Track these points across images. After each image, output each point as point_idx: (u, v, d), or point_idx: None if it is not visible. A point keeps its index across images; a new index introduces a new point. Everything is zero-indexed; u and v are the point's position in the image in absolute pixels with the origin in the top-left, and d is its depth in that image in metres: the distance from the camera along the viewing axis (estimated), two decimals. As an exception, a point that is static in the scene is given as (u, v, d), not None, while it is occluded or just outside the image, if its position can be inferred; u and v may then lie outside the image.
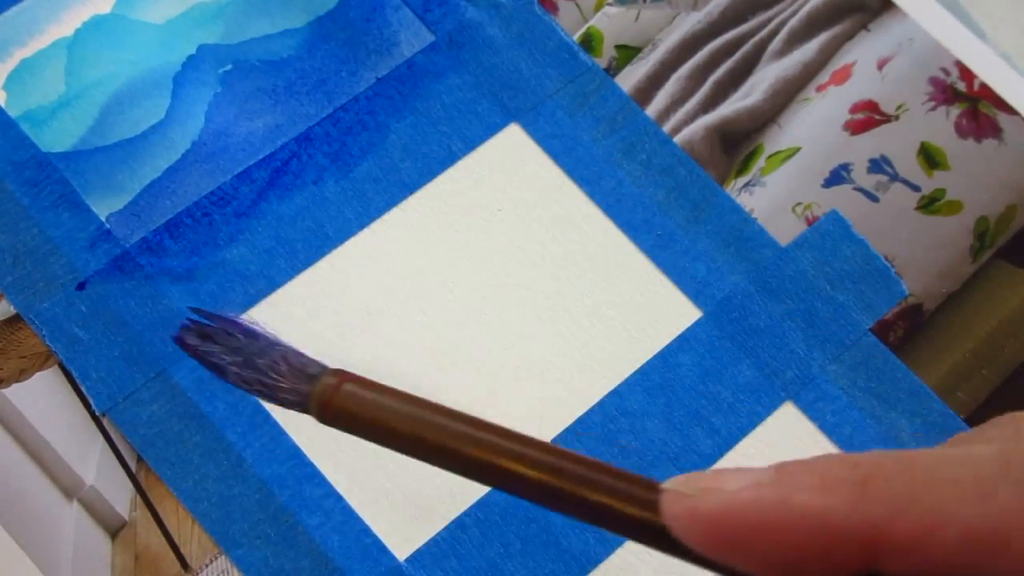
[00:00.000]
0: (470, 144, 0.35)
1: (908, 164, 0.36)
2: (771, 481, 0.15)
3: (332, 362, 0.33)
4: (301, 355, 0.25)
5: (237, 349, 0.26)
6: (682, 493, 0.16)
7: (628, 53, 0.37)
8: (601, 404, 0.32)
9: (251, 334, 0.26)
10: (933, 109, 0.37)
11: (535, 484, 0.20)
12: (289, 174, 0.34)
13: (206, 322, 0.27)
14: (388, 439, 0.22)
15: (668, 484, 0.16)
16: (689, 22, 0.38)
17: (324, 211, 0.34)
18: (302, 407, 0.23)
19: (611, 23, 0.38)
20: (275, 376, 0.25)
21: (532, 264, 0.34)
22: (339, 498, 0.31)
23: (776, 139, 0.36)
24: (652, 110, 0.36)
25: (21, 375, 0.99)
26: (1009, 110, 0.37)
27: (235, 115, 0.35)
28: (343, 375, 0.23)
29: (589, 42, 0.37)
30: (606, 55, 0.37)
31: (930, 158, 0.36)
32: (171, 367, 0.32)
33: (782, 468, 0.15)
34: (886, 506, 0.14)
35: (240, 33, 0.36)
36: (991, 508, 0.13)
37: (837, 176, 0.36)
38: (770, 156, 0.36)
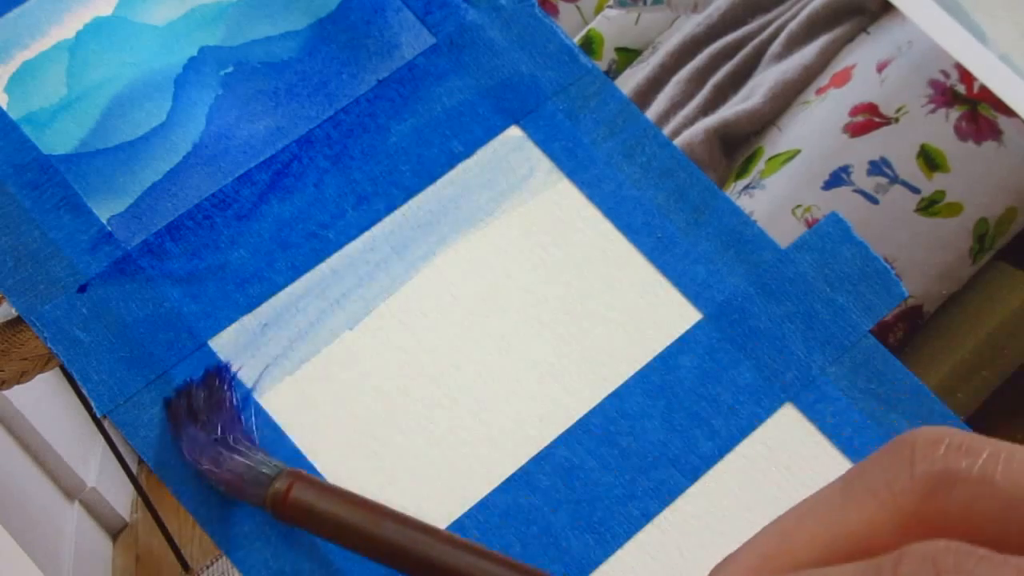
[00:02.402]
0: (470, 146, 0.35)
1: (908, 166, 0.36)
2: None
3: (335, 361, 0.33)
4: (260, 461, 0.28)
5: (207, 446, 0.29)
6: None
7: (628, 56, 0.37)
8: (601, 406, 0.32)
9: (222, 440, 0.29)
10: (933, 111, 0.37)
11: None
12: (290, 176, 0.34)
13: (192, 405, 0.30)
14: (330, 536, 0.25)
15: None
16: (689, 25, 0.38)
17: (325, 213, 0.34)
18: (261, 506, 0.27)
19: (611, 26, 0.38)
20: (236, 480, 0.28)
21: (532, 266, 0.34)
22: (340, 500, 0.31)
23: (776, 142, 0.36)
24: (652, 113, 0.36)
25: (22, 377, 0.99)
26: (1009, 112, 0.37)
27: (236, 117, 0.35)
28: (293, 478, 0.26)
29: (589, 45, 0.37)
30: (606, 58, 0.37)
31: (930, 160, 0.36)
32: (172, 369, 0.32)
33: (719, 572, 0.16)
34: None
35: (241, 35, 0.36)
36: None
37: (837, 178, 0.36)
38: (770, 159, 0.36)
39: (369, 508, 0.25)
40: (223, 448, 0.29)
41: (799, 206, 0.35)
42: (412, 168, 0.34)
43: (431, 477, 0.31)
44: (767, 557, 0.15)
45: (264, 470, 0.28)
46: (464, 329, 0.33)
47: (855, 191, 0.35)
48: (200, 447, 0.29)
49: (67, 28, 0.35)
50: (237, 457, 0.29)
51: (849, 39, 0.38)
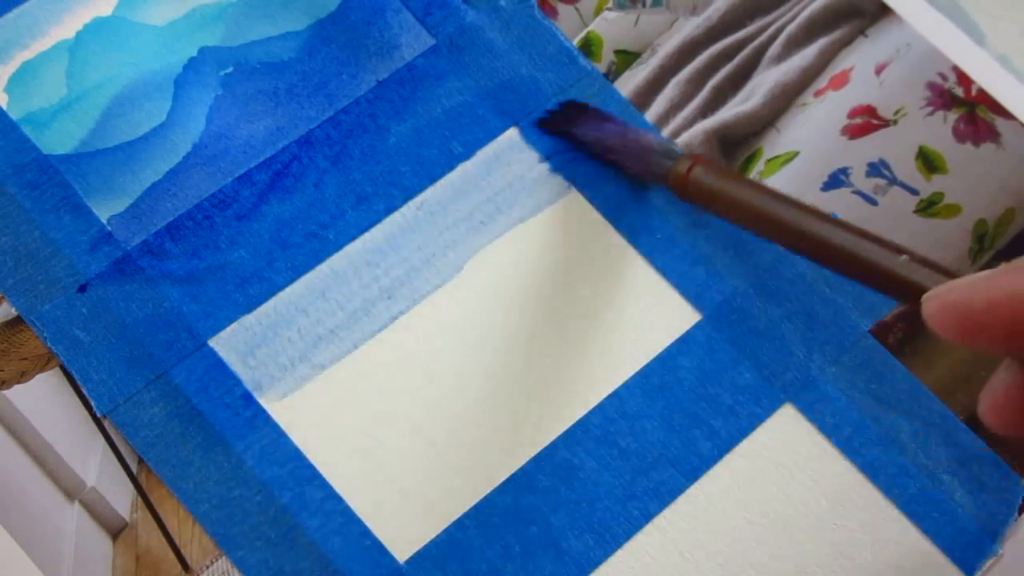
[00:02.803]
0: (470, 148, 0.35)
1: (906, 168, 0.36)
2: (1002, 270, 0.18)
3: (335, 361, 0.33)
4: (664, 141, 0.32)
5: (610, 129, 0.33)
6: (933, 295, 0.19)
7: (627, 58, 0.37)
8: (600, 406, 0.32)
9: (618, 122, 0.34)
10: (931, 114, 0.37)
11: (839, 259, 0.25)
12: (290, 177, 0.34)
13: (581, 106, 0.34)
14: (728, 213, 0.28)
15: (929, 293, 0.19)
16: (688, 27, 0.38)
17: (325, 214, 0.34)
18: (664, 180, 0.30)
19: (610, 28, 0.38)
20: (645, 153, 0.32)
21: (532, 267, 0.34)
22: (339, 500, 0.31)
23: (775, 143, 0.36)
24: (651, 114, 0.36)
25: (22, 377, 1.00)
26: (1007, 115, 0.37)
27: (236, 117, 0.35)
28: (695, 159, 0.29)
29: (588, 47, 0.37)
30: (605, 60, 0.37)
31: (928, 162, 0.36)
32: (172, 369, 0.32)
33: (1012, 262, 0.18)
34: None
35: (241, 35, 0.36)
36: None
37: (836, 180, 0.36)
38: (769, 160, 0.36)
39: (766, 192, 0.27)
40: (628, 130, 0.33)
41: (798, 207, 0.35)
42: (412, 169, 0.34)
43: (430, 477, 0.31)
44: None
45: (671, 146, 0.31)
46: (463, 329, 0.33)
47: (854, 192, 0.36)
48: (604, 129, 0.33)
49: (67, 28, 0.35)
50: (645, 134, 0.32)
51: (847, 42, 0.38)
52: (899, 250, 0.23)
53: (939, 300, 0.19)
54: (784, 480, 0.32)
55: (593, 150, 0.34)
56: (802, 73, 0.37)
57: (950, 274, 0.22)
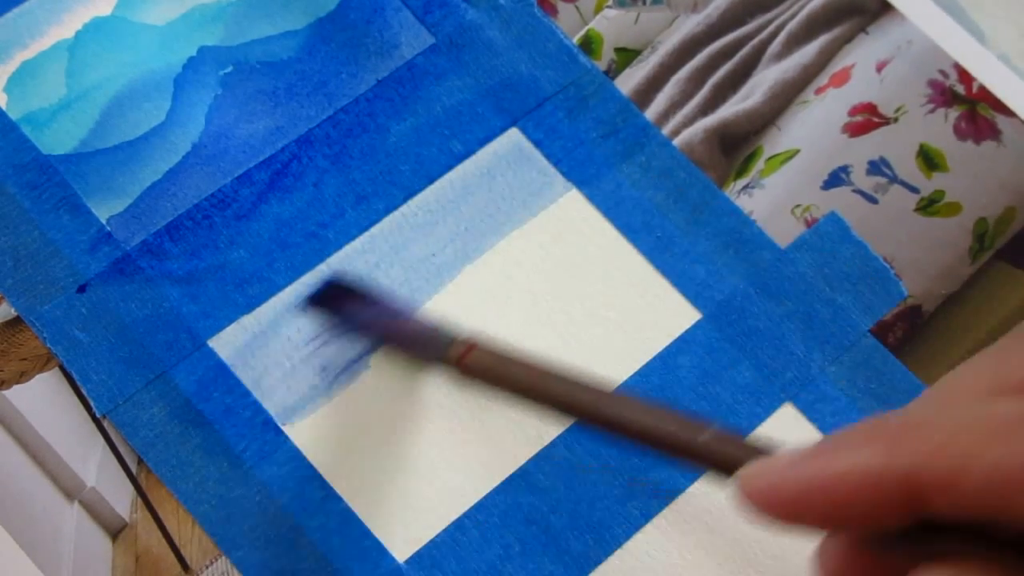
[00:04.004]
0: (470, 146, 0.35)
1: (907, 166, 0.36)
2: (813, 451, 0.17)
3: (336, 357, 0.33)
4: (439, 324, 0.31)
5: (382, 314, 0.32)
6: (747, 478, 0.18)
7: (627, 55, 0.37)
8: (601, 406, 0.32)
9: (388, 306, 0.32)
10: (932, 111, 0.37)
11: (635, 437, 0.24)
12: (289, 176, 0.34)
13: (348, 286, 0.32)
14: (508, 394, 0.27)
15: (741, 471, 0.19)
16: (688, 25, 0.38)
17: (324, 213, 0.34)
18: (441, 362, 0.29)
19: (610, 26, 0.38)
20: (417, 336, 0.30)
21: (531, 266, 0.34)
22: (339, 500, 0.31)
23: (775, 141, 0.36)
24: (651, 112, 0.36)
25: (22, 377, 1.00)
26: (1008, 112, 0.37)
27: (235, 117, 0.35)
28: (470, 345, 0.28)
29: (588, 44, 0.37)
30: (605, 57, 0.37)
31: (929, 160, 0.36)
32: (171, 369, 0.32)
33: (823, 439, 0.17)
34: (919, 453, 0.15)
35: (240, 35, 0.36)
36: (1013, 449, 0.15)
37: (836, 178, 0.36)
38: (769, 158, 0.36)
39: (541, 371, 0.27)
40: (401, 314, 0.32)
41: (798, 206, 0.35)
42: (411, 168, 0.34)
43: (431, 477, 0.31)
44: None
45: (446, 331, 0.30)
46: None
47: (854, 191, 0.35)
48: (380, 314, 0.32)
49: (66, 28, 0.35)
50: (419, 320, 0.31)
51: (848, 39, 0.38)
52: (702, 425, 0.22)
53: (752, 484, 0.18)
54: (785, 479, 0.32)
55: (363, 334, 0.33)
56: (803, 71, 0.37)
57: (757, 450, 0.21)
